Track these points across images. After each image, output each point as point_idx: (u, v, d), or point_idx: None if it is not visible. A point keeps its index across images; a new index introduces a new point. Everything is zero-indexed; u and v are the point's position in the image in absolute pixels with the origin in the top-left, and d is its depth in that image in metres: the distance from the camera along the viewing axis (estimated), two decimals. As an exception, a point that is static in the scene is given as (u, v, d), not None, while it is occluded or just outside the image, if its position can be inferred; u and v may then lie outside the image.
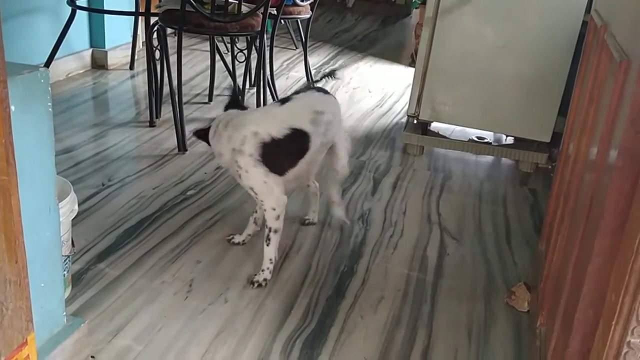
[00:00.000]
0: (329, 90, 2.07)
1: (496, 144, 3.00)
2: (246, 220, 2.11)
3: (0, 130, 1.02)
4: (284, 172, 1.84)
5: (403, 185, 2.66)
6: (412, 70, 3.21)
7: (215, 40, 3.40)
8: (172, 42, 2.88)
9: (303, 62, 3.68)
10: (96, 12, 3.54)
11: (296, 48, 4.64)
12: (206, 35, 3.21)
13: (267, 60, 3.14)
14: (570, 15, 2.60)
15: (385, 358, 1.63)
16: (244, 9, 2.74)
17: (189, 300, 1.78)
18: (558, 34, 2.64)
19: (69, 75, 3.58)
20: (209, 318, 1.71)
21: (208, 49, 3.60)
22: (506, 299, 1.90)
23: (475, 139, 3.00)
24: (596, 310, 1.12)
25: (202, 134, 1.90)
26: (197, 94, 3.50)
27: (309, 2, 3.46)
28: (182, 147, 2.76)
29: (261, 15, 2.81)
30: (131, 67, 3.83)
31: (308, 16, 3.53)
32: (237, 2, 2.70)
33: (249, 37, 3.05)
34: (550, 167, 2.84)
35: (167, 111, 3.06)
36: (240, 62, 3.39)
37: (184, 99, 3.12)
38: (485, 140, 3.00)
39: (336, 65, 4.36)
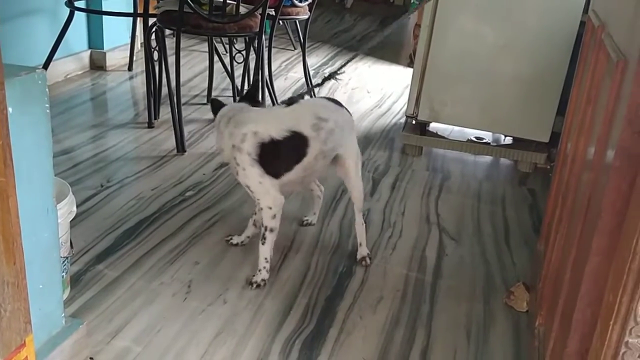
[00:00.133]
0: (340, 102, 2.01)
1: (495, 144, 3.00)
2: (245, 221, 2.11)
3: (-3, 132, 1.02)
4: (280, 176, 1.82)
5: (402, 185, 2.66)
6: (410, 70, 3.21)
7: (214, 41, 3.40)
8: (170, 43, 2.87)
9: (302, 63, 3.68)
10: (94, 13, 3.54)
11: (295, 49, 4.64)
12: (204, 36, 3.20)
13: (266, 61, 3.14)
14: (568, 15, 2.60)
15: (384, 358, 1.63)
16: (242, 9, 2.74)
17: (188, 301, 1.78)
18: (556, 34, 2.64)
19: (68, 77, 3.58)
20: (208, 319, 1.71)
21: (206, 50, 3.60)
22: (505, 299, 1.90)
23: (474, 139, 3.00)
24: (594, 310, 1.12)
25: (216, 106, 1.91)
26: (196, 95, 3.50)
27: (307, 2, 3.46)
28: (180, 148, 2.76)
29: (259, 16, 2.80)
30: (129, 68, 3.84)
31: (306, 17, 3.53)
32: (235, 3, 2.71)
33: (247, 38, 3.05)
34: (549, 167, 2.84)
35: (165, 112, 3.05)
36: (238, 63, 3.38)
37: (183, 100, 3.12)
38: (484, 141, 2.99)
39: (336, 66, 4.36)
